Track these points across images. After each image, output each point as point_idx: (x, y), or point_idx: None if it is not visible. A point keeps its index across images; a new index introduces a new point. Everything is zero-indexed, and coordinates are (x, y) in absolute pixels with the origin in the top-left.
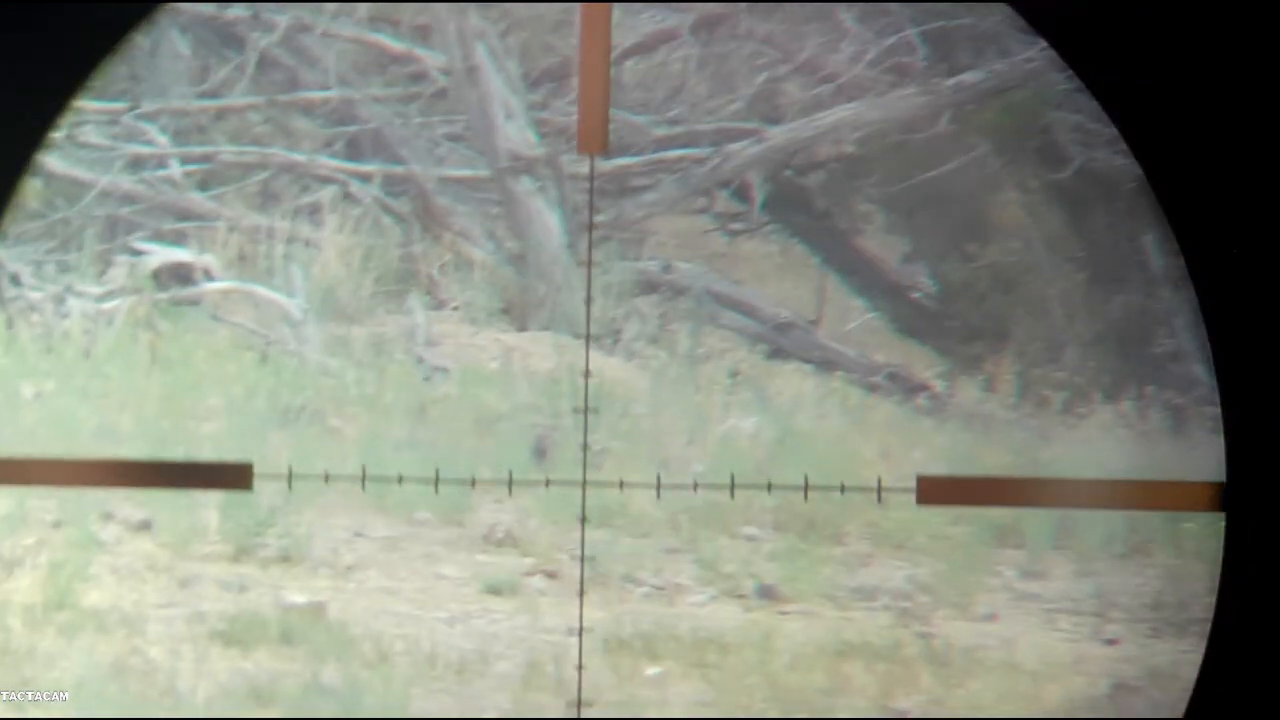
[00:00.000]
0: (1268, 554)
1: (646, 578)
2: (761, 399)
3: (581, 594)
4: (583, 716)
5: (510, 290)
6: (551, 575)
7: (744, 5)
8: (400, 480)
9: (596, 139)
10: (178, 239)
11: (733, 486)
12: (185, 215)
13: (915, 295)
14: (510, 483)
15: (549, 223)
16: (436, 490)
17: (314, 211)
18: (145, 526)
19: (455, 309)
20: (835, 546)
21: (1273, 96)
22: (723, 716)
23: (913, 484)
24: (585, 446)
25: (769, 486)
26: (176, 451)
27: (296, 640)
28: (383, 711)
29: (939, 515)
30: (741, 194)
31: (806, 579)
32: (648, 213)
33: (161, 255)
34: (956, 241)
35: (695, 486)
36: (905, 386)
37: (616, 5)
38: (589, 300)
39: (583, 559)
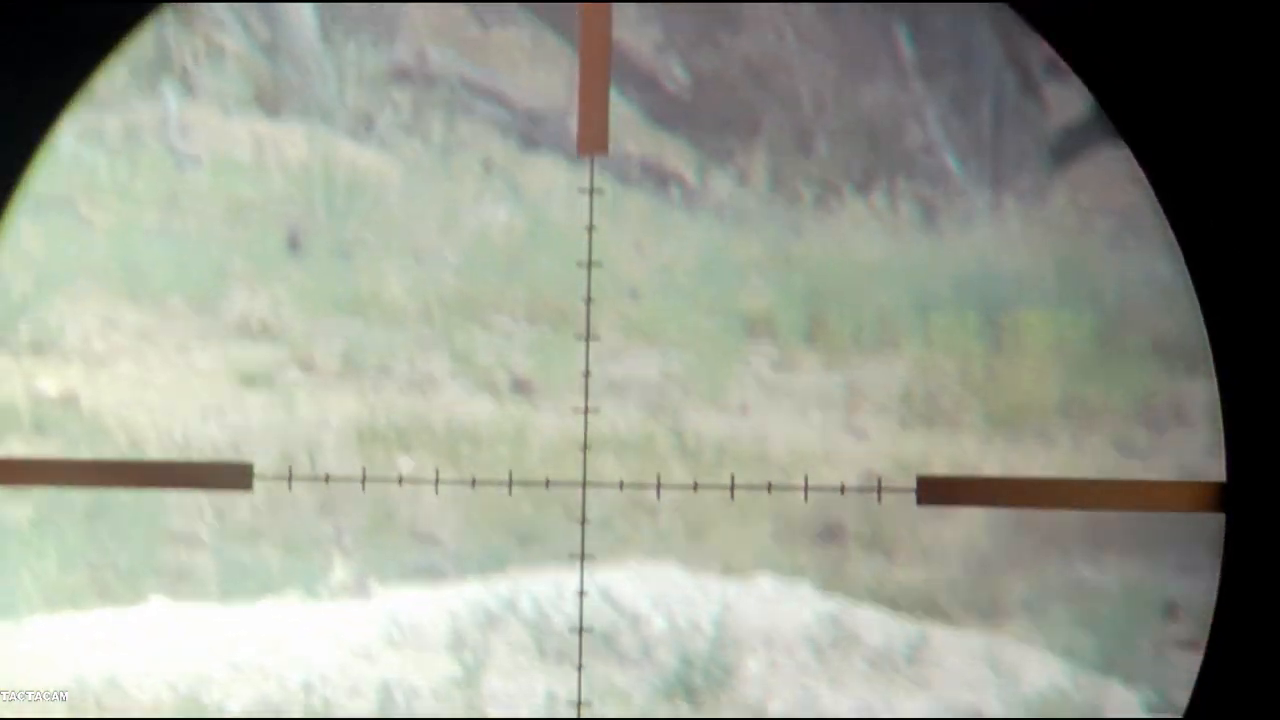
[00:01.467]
0: (1268, 554)
1: (400, 369)
2: (513, 189)
3: (581, 594)
4: (583, 717)
5: (262, 79)
6: (307, 366)
7: None
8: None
9: (596, 139)
10: None
11: (733, 487)
12: None
13: (669, 86)
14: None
15: (302, 10)
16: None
17: None
18: None
19: (208, 97)
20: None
21: (1273, 97)
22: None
23: (913, 484)
24: (585, 447)
25: (769, 487)
26: None
27: (49, 430)
28: (135, 505)
29: (691, 308)
30: None
31: (559, 372)
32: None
33: None
34: (709, 31)
35: (695, 487)
36: (657, 178)
37: (616, 5)
38: (589, 300)
39: (582, 557)
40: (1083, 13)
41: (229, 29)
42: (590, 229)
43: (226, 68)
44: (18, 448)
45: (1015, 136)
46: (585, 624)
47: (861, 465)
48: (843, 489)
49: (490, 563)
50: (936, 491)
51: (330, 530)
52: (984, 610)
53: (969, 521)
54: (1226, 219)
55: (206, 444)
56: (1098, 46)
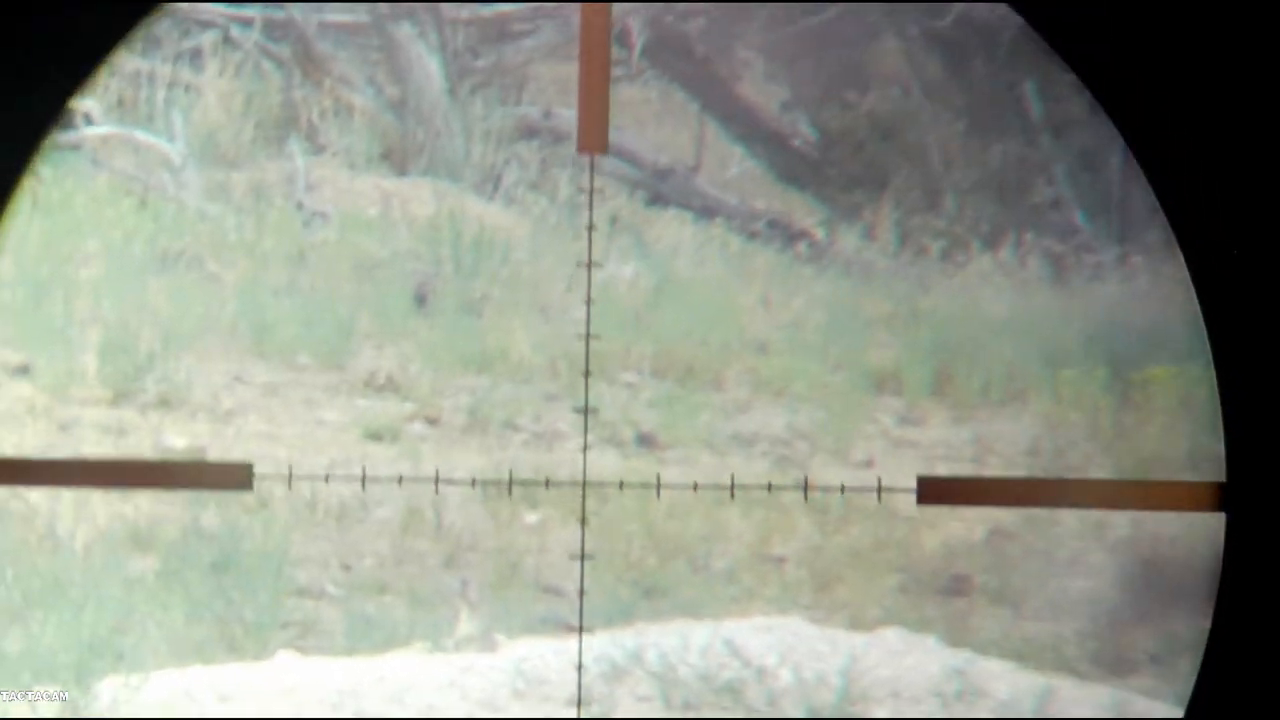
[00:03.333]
0: (1268, 554)
1: (526, 424)
2: (640, 245)
3: (581, 601)
4: (583, 717)
5: (390, 136)
6: (432, 421)
7: None
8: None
9: (596, 139)
10: None
11: (732, 486)
12: None
13: (795, 143)
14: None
15: (429, 68)
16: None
17: (195, 56)
18: (24, 370)
19: (335, 154)
20: (714, 393)
21: (1273, 96)
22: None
23: (913, 484)
24: (586, 448)
25: (769, 487)
26: (55, 296)
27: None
28: (261, 557)
29: (819, 362)
30: (621, 40)
31: (684, 425)
32: (528, 58)
33: None
34: (836, 89)
35: (695, 487)
36: (785, 234)
37: (616, 5)
38: (589, 301)
39: (582, 558)
40: (1083, 13)
41: (356, 86)
42: (590, 229)
43: (354, 125)
44: (145, 503)
45: (1143, 192)
46: (712, 674)
47: (989, 519)
48: (843, 489)
49: (616, 615)
50: (936, 491)
51: (456, 583)
52: (1111, 663)
53: (1099, 574)
54: (1227, 219)
55: (333, 498)
56: (1098, 46)
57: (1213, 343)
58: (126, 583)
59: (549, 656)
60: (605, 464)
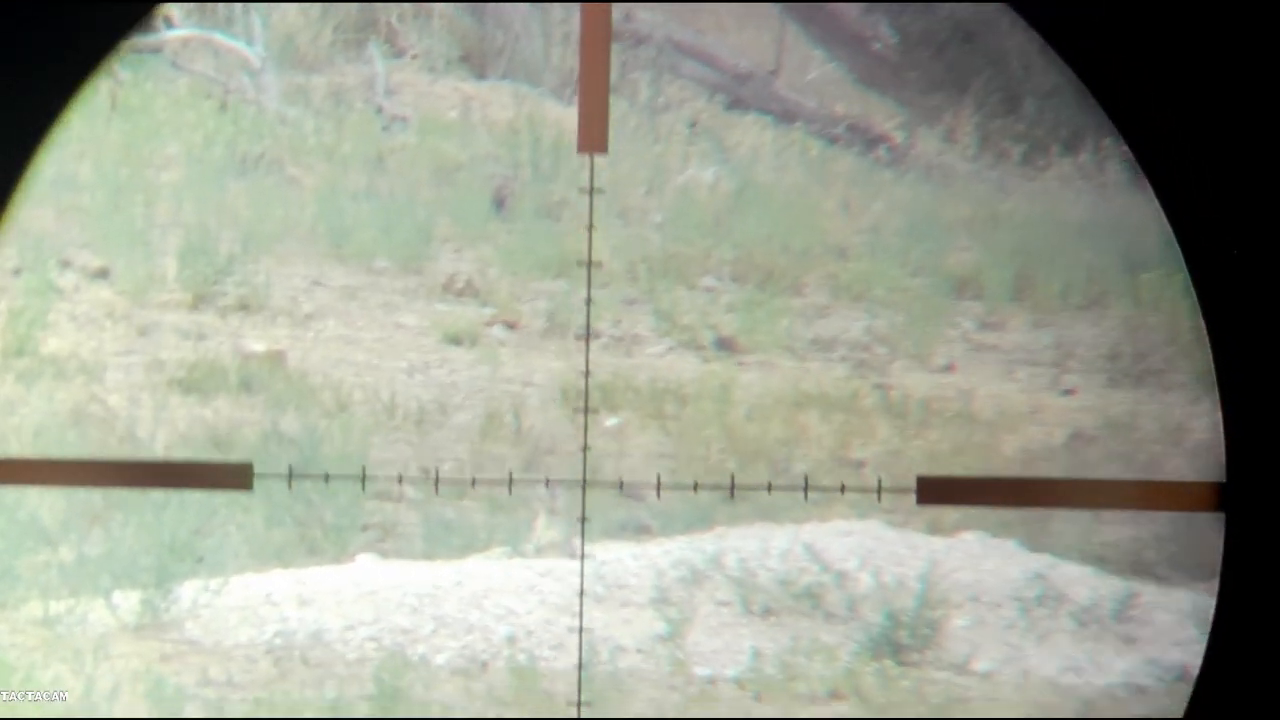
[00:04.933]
0: (1268, 554)
1: (605, 328)
2: (720, 150)
3: (581, 594)
4: (583, 717)
5: (469, 39)
6: (511, 325)
7: None
8: None
9: (596, 139)
10: None
11: (732, 487)
12: None
13: (875, 46)
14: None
15: None
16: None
17: None
18: (103, 274)
19: (414, 57)
20: (794, 297)
21: (1273, 96)
22: None
23: (912, 484)
24: (586, 448)
25: (769, 487)
26: (134, 200)
27: (256, 388)
28: (341, 461)
29: (898, 267)
30: None
31: (764, 330)
32: None
33: None
34: None
35: (695, 487)
36: (864, 138)
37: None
38: (589, 301)
39: (582, 558)
40: (1082, 12)
41: None
42: (590, 228)
43: (433, 28)
44: (225, 407)
45: None
46: (791, 579)
47: (1070, 423)
48: (843, 489)
49: (695, 520)
50: (936, 491)
51: (535, 487)
52: (1190, 567)
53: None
54: (1227, 219)
55: (412, 401)
56: (1097, 46)
57: (1213, 343)
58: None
59: (628, 561)
60: (684, 367)
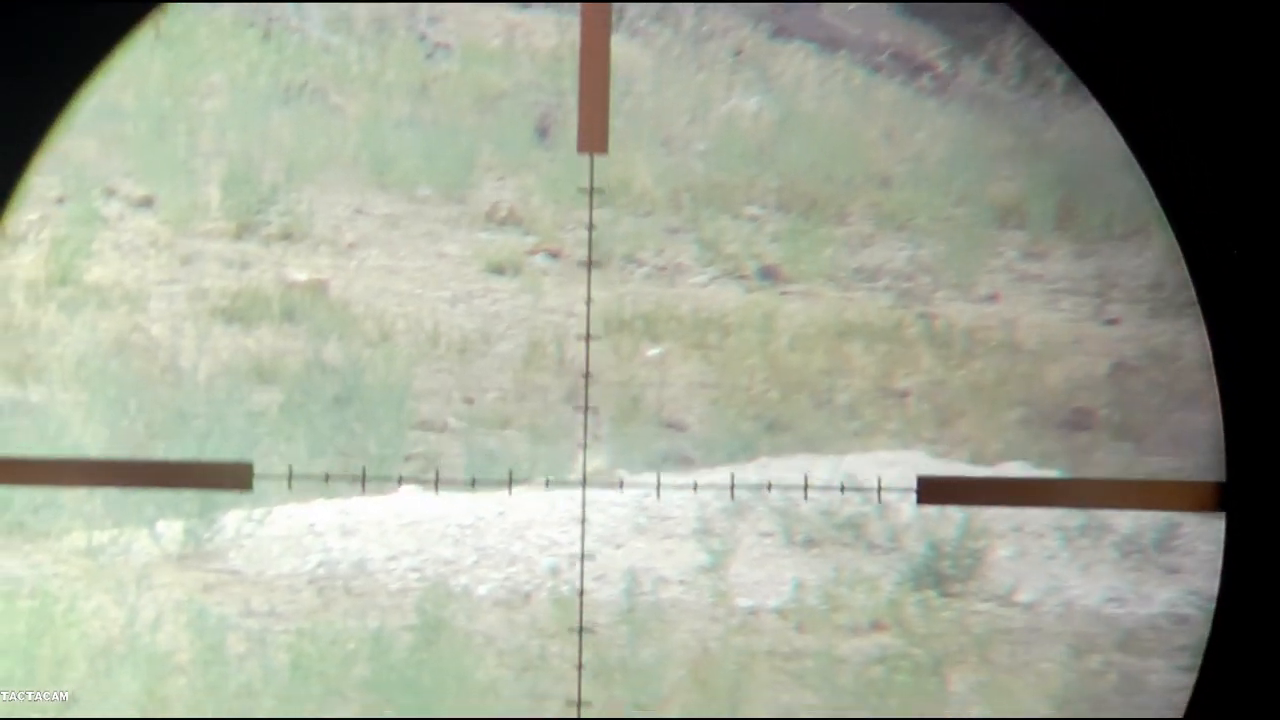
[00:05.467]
0: (1268, 554)
1: (648, 257)
2: (764, 78)
3: (581, 591)
4: (583, 717)
5: None
6: (554, 254)
7: None
8: None
9: (596, 139)
10: None
11: (732, 487)
12: None
13: None
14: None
15: None
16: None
17: None
18: (147, 203)
19: None
20: (838, 227)
21: (1273, 96)
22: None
23: (913, 484)
24: (585, 446)
25: (769, 486)
26: (178, 129)
27: (298, 317)
28: (384, 390)
29: (942, 196)
30: None
31: (808, 259)
32: None
33: None
34: None
35: (695, 487)
36: (908, 67)
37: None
38: (589, 301)
39: (582, 558)
40: (1082, 12)
41: None
42: (590, 228)
43: None
44: (268, 336)
45: None
46: (834, 509)
47: (1113, 352)
48: (842, 488)
49: (738, 450)
50: (937, 491)
51: (579, 418)
52: None
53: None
54: (1227, 218)
55: (455, 331)
56: (1097, 46)
57: (1213, 343)
58: (250, 415)
59: (670, 492)
60: (727, 296)
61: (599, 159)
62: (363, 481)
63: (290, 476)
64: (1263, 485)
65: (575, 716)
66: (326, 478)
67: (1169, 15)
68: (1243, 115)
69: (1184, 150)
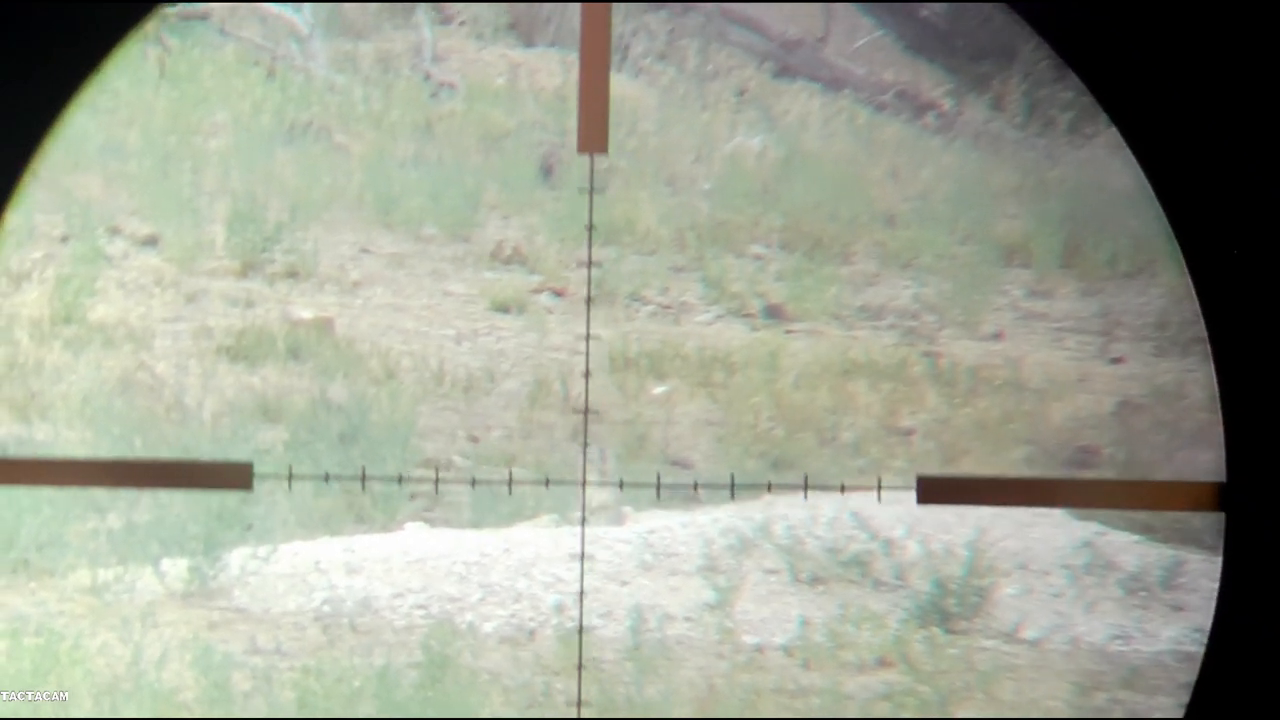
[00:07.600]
0: (1268, 554)
1: (653, 295)
2: (768, 118)
3: (581, 594)
4: (583, 716)
5: (517, 6)
6: (559, 293)
7: None
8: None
9: (596, 139)
10: None
11: (732, 486)
12: None
13: (923, 13)
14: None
15: None
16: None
17: None
18: (152, 242)
19: (462, 24)
20: (843, 265)
21: (1273, 97)
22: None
23: (913, 483)
24: (585, 446)
25: (769, 486)
26: (182, 167)
27: (304, 356)
28: (389, 429)
29: (946, 234)
30: None
31: (813, 298)
32: None
33: None
34: None
35: (695, 486)
36: (913, 105)
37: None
38: (589, 300)
39: (582, 558)
40: (1082, 13)
41: None
42: (590, 228)
43: None
44: (273, 374)
45: None
46: (839, 546)
47: (1118, 391)
48: (842, 488)
49: (744, 488)
50: (937, 491)
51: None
52: None
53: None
54: (1227, 217)
55: (460, 369)
56: (1097, 46)
57: (1213, 343)
58: (255, 453)
59: (676, 529)
60: (732, 335)
61: (599, 197)
62: (367, 519)
63: (290, 477)
64: (1263, 485)
65: (576, 717)
66: (327, 478)
67: (1169, 15)
68: (1243, 114)
69: (1184, 150)
